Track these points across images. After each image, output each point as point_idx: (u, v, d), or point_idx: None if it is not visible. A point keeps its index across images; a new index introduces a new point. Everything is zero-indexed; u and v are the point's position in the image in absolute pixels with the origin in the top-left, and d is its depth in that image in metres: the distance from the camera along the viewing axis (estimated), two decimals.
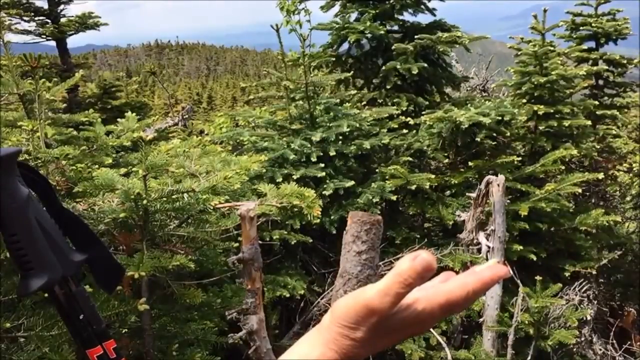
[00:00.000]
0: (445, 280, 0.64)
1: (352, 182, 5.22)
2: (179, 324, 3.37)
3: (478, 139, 5.55)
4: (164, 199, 3.00)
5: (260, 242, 3.50)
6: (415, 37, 6.33)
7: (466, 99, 6.66)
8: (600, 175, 6.03)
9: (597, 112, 6.59)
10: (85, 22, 7.62)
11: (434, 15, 6.92)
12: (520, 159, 5.77)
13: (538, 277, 4.85)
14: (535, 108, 5.81)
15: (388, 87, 6.41)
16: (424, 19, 6.95)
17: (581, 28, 7.03)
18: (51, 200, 1.02)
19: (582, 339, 5.66)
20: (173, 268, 2.92)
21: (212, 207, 3.14)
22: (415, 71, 6.12)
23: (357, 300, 0.59)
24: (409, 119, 6.02)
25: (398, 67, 6.22)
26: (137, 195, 2.91)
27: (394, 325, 0.60)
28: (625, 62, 6.99)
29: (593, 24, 6.96)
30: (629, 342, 6.01)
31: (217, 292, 3.60)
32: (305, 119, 5.59)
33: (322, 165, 5.14)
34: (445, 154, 6.01)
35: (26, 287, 0.94)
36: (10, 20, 7.19)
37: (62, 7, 7.66)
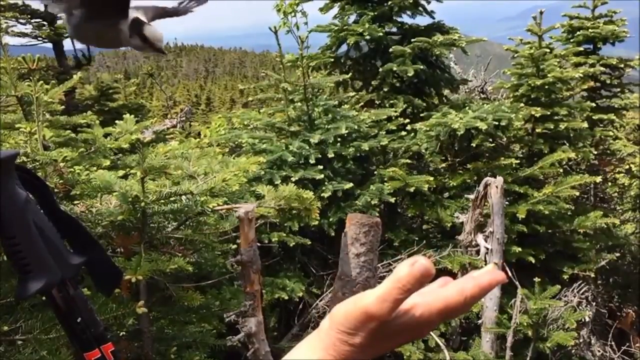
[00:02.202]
0: (443, 285, 0.64)
1: (351, 184, 5.22)
2: (178, 326, 3.37)
3: (473, 145, 5.56)
4: (162, 201, 3.00)
5: (258, 244, 3.50)
6: (413, 39, 6.34)
7: (464, 101, 6.66)
8: (598, 179, 6.02)
9: (594, 117, 6.59)
10: None
11: (433, 17, 6.93)
12: (518, 161, 5.77)
13: (537, 279, 4.85)
14: (533, 112, 5.82)
15: (386, 89, 6.41)
16: (422, 20, 6.95)
17: (578, 32, 7.03)
18: (49, 203, 1.01)
19: (581, 340, 5.66)
20: (171, 271, 2.91)
21: (210, 209, 3.14)
22: (411, 73, 6.12)
23: (355, 306, 0.59)
24: (407, 120, 6.03)
25: (395, 68, 6.23)
26: (135, 198, 2.90)
27: (393, 330, 0.60)
28: (622, 65, 7.00)
29: (590, 28, 6.95)
30: (627, 344, 6.02)
31: (215, 295, 3.60)
32: (304, 121, 5.59)
33: (321, 167, 5.14)
34: (443, 157, 6.01)
35: (24, 290, 0.93)
36: (7, 22, 7.18)
37: None
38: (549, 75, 5.82)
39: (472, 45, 6.91)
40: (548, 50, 6.14)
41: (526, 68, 6.01)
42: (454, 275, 5.25)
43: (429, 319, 0.61)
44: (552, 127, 5.83)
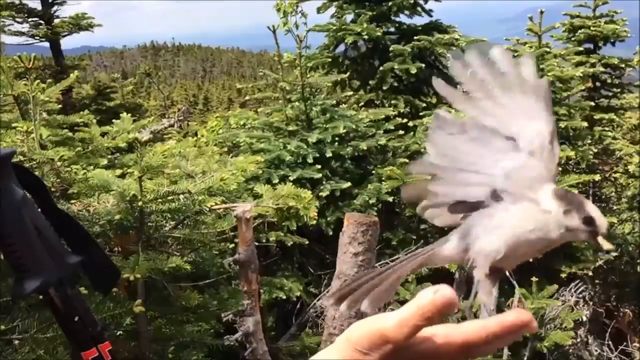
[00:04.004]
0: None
1: (349, 184, 5.22)
2: (175, 326, 3.36)
3: None
4: (160, 200, 2.99)
5: (256, 243, 3.50)
6: (415, 37, 6.35)
7: None
8: (597, 177, 6.02)
9: (595, 116, 6.60)
10: (79, 23, 7.59)
11: (431, 16, 6.94)
12: None
13: (534, 279, 4.85)
14: None
15: (385, 88, 6.41)
16: (420, 20, 6.96)
17: (579, 31, 7.05)
18: (46, 202, 1.01)
19: (578, 340, 5.67)
20: (169, 270, 2.90)
21: (208, 209, 3.13)
22: (413, 71, 6.13)
23: (373, 326, 0.59)
24: (405, 120, 6.03)
25: (396, 67, 6.23)
26: (133, 197, 2.89)
27: (409, 356, 0.60)
28: (623, 65, 7.02)
29: (591, 27, 6.97)
30: (624, 343, 6.02)
31: (213, 294, 3.58)
32: (302, 121, 5.58)
33: (319, 166, 5.13)
34: None
35: (21, 289, 0.93)
36: (4, 21, 7.16)
37: (55, 8, 7.63)
38: (548, 74, 5.82)
39: (470, 46, 6.91)
40: (548, 50, 6.15)
41: None
42: (451, 275, 5.25)
43: (448, 352, 0.59)
44: None
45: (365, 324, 0.59)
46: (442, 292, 0.56)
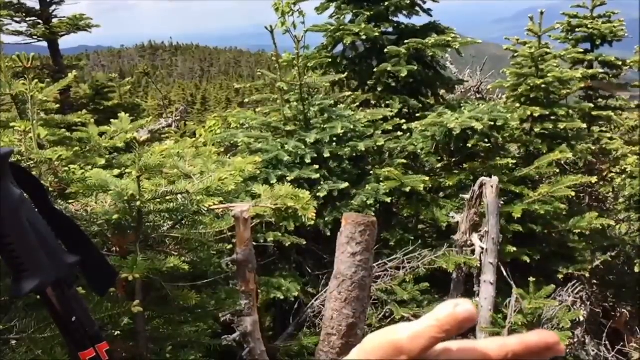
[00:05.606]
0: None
1: (347, 184, 5.22)
2: (173, 326, 3.36)
3: (469, 145, 5.56)
4: (158, 200, 2.99)
5: (254, 243, 3.50)
6: (407, 40, 6.35)
7: (460, 101, 6.67)
8: (594, 179, 6.04)
9: (593, 113, 6.63)
10: (77, 24, 7.59)
11: (431, 16, 6.93)
12: (515, 161, 5.78)
13: (532, 279, 4.86)
14: (530, 111, 5.83)
15: (380, 89, 6.41)
16: (418, 20, 6.97)
17: (577, 30, 7.09)
18: (43, 202, 1.01)
19: (575, 340, 5.67)
20: (167, 270, 2.90)
21: (206, 209, 3.13)
22: (404, 74, 6.11)
23: (386, 337, 0.59)
24: (403, 121, 6.03)
25: (389, 68, 6.23)
26: (131, 197, 2.89)
27: None
28: (620, 63, 7.05)
29: (589, 26, 7.01)
30: (621, 343, 6.03)
31: (211, 294, 3.59)
32: (300, 121, 5.58)
33: (317, 166, 5.14)
34: (439, 158, 6.02)
35: (18, 289, 0.93)
36: (2, 21, 7.15)
37: (54, 7, 7.62)
38: (548, 75, 5.83)
39: (468, 46, 6.92)
40: (548, 50, 6.17)
41: (525, 68, 6.02)
42: (449, 275, 5.26)
43: None
44: (550, 127, 5.84)
45: (379, 335, 0.59)
46: (464, 307, 0.56)
